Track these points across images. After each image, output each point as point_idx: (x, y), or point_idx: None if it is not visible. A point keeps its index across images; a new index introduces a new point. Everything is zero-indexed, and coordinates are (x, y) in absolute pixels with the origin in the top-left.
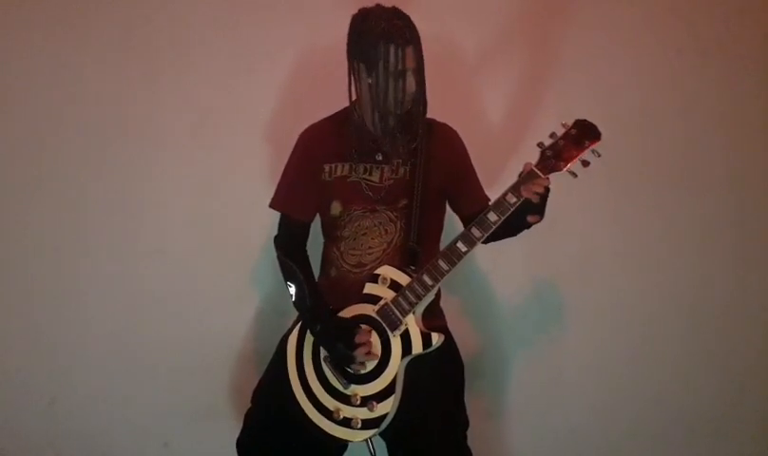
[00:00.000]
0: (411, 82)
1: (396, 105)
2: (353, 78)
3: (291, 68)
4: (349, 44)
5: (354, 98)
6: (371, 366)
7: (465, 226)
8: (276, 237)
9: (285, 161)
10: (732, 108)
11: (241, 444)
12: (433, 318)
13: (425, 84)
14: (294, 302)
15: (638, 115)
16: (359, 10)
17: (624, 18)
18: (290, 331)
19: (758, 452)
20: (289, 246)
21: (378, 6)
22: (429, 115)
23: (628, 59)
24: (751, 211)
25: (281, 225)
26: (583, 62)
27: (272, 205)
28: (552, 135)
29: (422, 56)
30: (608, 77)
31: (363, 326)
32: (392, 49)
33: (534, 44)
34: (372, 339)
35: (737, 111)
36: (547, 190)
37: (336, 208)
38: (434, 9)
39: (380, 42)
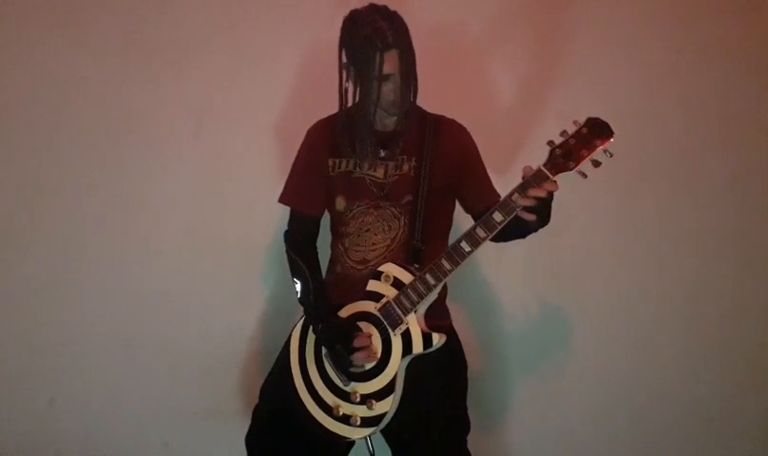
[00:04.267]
0: (394, 86)
1: (381, 109)
2: (344, 77)
3: (292, 67)
4: (339, 46)
5: (344, 97)
6: (370, 365)
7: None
8: (285, 233)
9: (287, 159)
10: (732, 108)
11: (249, 440)
12: (439, 318)
13: (415, 84)
14: (299, 298)
15: (638, 115)
16: (349, 12)
17: (625, 18)
18: (296, 325)
19: (758, 452)
20: (298, 241)
21: (371, 5)
22: (436, 110)
23: (629, 59)
24: (751, 211)
25: (291, 220)
26: (583, 62)
27: (281, 200)
28: (563, 133)
29: (411, 58)
30: (608, 76)
31: (363, 330)
32: (373, 55)
33: (534, 44)
34: (372, 340)
35: (737, 111)
36: (551, 194)
37: (340, 203)
38: (437, 3)
39: (363, 47)
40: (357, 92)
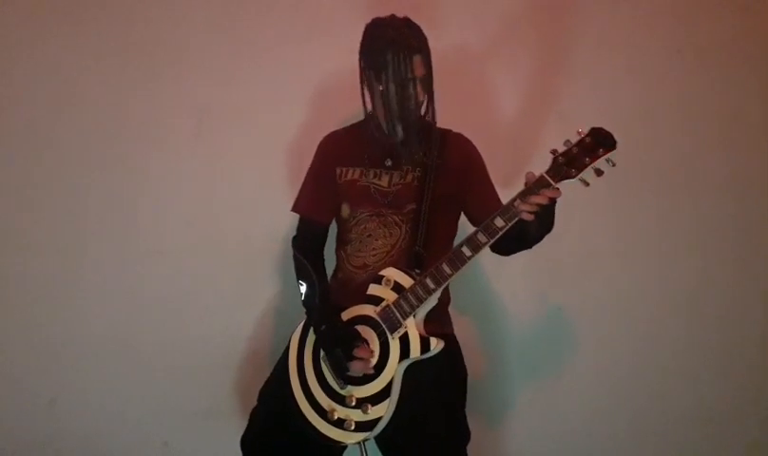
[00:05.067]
0: (416, 91)
1: (404, 113)
2: (365, 86)
3: (292, 67)
4: (360, 52)
5: (369, 105)
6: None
7: None
8: (294, 238)
9: (287, 159)
10: (732, 108)
11: (245, 442)
12: (440, 325)
13: (433, 92)
14: (302, 300)
15: (638, 115)
16: (372, 20)
17: (625, 19)
18: (296, 329)
19: (759, 452)
20: (306, 248)
21: (392, 16)
22: (439, 118)
23: (629, 59)
24: (751, 211)
25: (300, 227)
26: (584, 62)
27: (293, 209)
28: (566, 142)
29: (431, 65)
30: (609, 77)
31: (363, 337)
32: (398, 58)
33: (536, 46)
34: (372, 347)
35: (737, 111)
36: (553, 201)
37: (344, 210)
38: (444, 15)
39: (388, 50)
40: (374, 98)
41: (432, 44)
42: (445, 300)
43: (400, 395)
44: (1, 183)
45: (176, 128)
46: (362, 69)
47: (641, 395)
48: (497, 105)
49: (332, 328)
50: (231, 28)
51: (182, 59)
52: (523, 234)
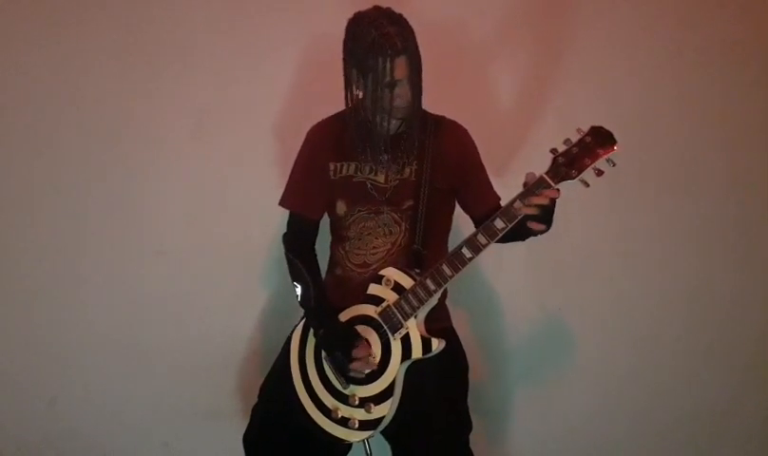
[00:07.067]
0: (403, 91)
1: (393, 112)
2: (350, 81)
3: (292, 68)
4: (344, 49)
5: (351, 101)
6: (369, 369)
7: (475, 226)
8: (284, 235)
9: (287, 159)
10: (732, 108)
11: (247, 438)
12: (439, 320)
13: (421, 88)
14: (299, 302)
15: (638, 115)
16: (354, 15)
17: (625, 18)
18: (296, 326)
19: (759, 451)
20: (297, 244)
21: (375, 8)
22: (434, 110)
23: (629, 59)
24: (751, 211)
25: (290, 223)
26: (583, 62)
27: (281, 203)
28: (566, 141)
29: (418, 62)
30: (609, 77)
31: (362, 336)
32: (381, 61)
33: (536, 44)
34: (372, 349)
35: (737, 111)
36: (553, 202)
37: (340, 208)
38: (437, 3)
39: (370, 53)
40: (361, 95)
41: (430, 32)
42: (443, 295)
43: (403, 391)
44: (1, 183)
45: (176, 129)
46: (346, 66)
47: (641, 395)
48: (496, 103)
49: (330, 330)
50: (231, 29)
51: (183, 59)
52: (521, 232)
